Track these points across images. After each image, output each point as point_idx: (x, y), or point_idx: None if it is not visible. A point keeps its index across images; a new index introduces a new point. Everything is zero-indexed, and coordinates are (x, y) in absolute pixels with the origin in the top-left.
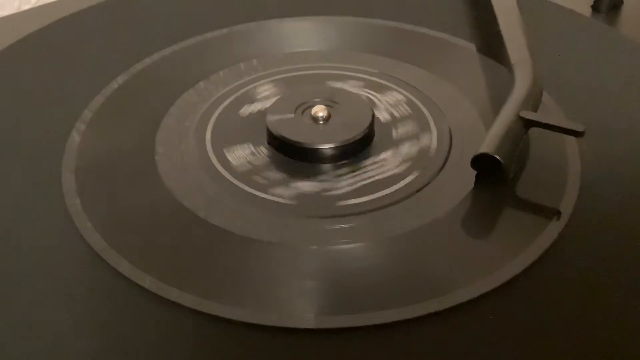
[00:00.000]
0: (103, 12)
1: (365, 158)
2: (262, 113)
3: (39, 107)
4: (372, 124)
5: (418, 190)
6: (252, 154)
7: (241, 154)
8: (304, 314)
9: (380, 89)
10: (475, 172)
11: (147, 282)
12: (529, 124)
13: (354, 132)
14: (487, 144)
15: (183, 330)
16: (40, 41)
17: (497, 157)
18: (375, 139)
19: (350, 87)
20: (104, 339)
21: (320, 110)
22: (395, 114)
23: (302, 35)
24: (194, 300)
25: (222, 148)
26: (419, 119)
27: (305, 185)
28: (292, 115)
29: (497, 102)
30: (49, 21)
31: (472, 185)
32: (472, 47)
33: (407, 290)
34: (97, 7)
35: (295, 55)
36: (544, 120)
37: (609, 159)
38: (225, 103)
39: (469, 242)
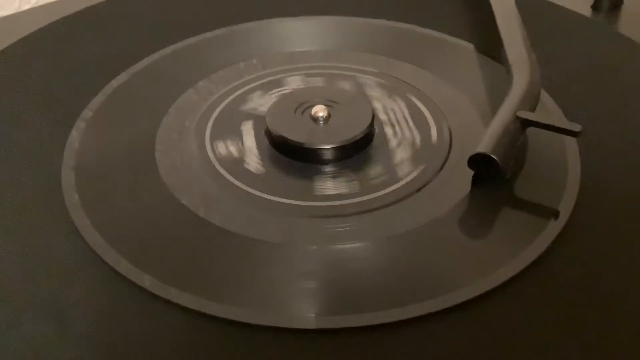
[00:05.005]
0: (103, 12)
1: (365, 158)
2: (262, 113)
3: (39, 107)
4: (372, 124)
5: (418, 190)
6: (252, 153)
7: (241, 154)
8: (304, 314)
9: (380, 88)
10: (472, 172)
11: (146, 281)
12: (526, 123)
13: (354, 132)
14: (484, 144)
15: (182, 330)
16: (40, 41)
17: (494, 156)
18: (375, 138)
19: (350, 87)
20: (103, 338)
21: (320, 110)
22: (395, 113)
23: (302, 35)
24: (193, 300)
25: (222, 148)
26: (418, 118)
27: (305, 185)
28: (292, 115)
29: (496, 102)
30: (49, 21)
31: (470, 185)
32: (471, 47)
33: (407, 290)
34: (97, 7)
35: (295, 55)
36: (541, 120)
37: (609, 159)
38: (225, 102)
39: (468, 242)
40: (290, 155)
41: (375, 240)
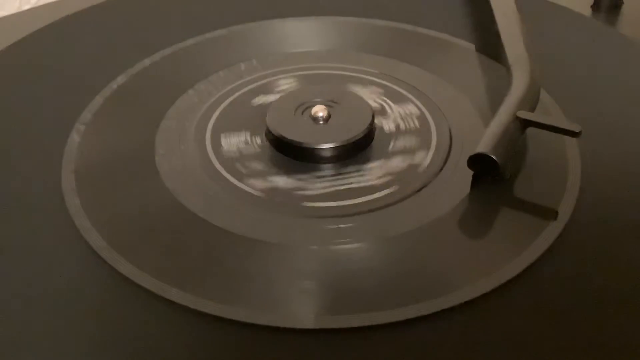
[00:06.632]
0: (103, 12)
1: (365, 158)
2: (262, 113)
3: (39, 108)
4: (372, 124)
5: (418, 190)
6: (252, 154)
7: (241, 154)
8: (304, 314)
9: (380, 89)
10: (472, 172)
11: (147, 282)
12: (525, 124)
13: (354, 132)
14: (484, 144)
15: (182, 330)
16: (40, 41)
17: (493, 157)
18: (375, 139)
19: (350, 87)
20: (103, 338)
21: (320, 110)
22: (395, 114)
23: (302, 35)
24: (194, 300)
25: (222, 148)
26: (418, 119)
27: (305, 185)
28: (292, 115)
29: (496, 102)
30: (49, 21)
31: (470, 185)
32: (471, 47)
33: (407, 290)
34: (97, 7)
35: (295, 56)
36: (540, 120)
37: (609, 159)
38: (225, 103)
39: (468, 242)
40: (290, 155)
41: (375, 240)
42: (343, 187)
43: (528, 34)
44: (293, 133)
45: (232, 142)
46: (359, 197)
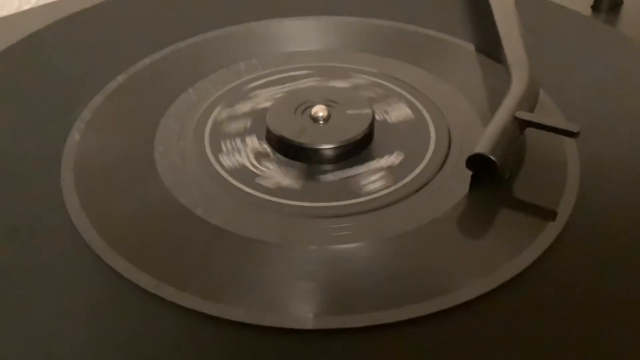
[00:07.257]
0: (103, 12)
1: (365, 158)
2: (262, 113)
3: (38, 107)
4: (371, 124)
5: (417, 190)
6: (252, 153)
7: (241, 154)
8: (303, 314)
9: (379, 89)
10: (471, 173)
11: (146, 281)
12: (524, 124)
13: (354, 132)
14: (482, 145)
15: (181, 331)
16: (40, 41)
17: (492, 157)
18: (374, 139)
19: (350, 87)
20: (102, 338)
21: (320, 110)
22: (395, 114)
23: (302, 35)
24: (193, 300)
25: (222, 148)
26: (418, 119)
27: (305, 185)
28: (292, 115)
29: (496, 103)
30: (49, 21)
31: (469, 185)
32: (471, 47)
33: (406, 290)
34: (97, 7)
35: (295, 55)
36: (539, 121)
37: (609, 159)
38: (225, 103)
39: (468, 243)
40: (290, 155)
41: (375, 240)
42: (342, 187)
43: (528, 34)
44: (293, 133)
45: (232, 141)
46: (358, 197)
